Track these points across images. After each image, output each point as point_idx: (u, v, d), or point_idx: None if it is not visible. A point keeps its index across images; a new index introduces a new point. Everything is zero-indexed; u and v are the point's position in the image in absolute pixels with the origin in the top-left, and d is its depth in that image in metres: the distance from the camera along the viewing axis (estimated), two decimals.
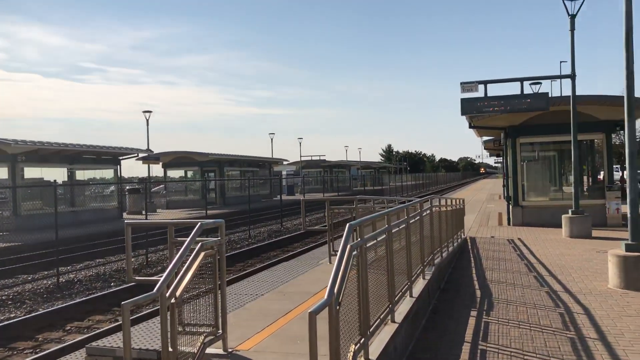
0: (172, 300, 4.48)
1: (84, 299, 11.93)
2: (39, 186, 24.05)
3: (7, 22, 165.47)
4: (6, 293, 12.90)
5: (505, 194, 20.97)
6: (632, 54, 9.17)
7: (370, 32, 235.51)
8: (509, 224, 19.66)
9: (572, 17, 16.13)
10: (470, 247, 14.85)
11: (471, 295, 9.03)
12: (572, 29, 16.35)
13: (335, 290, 3.99)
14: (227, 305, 7.05)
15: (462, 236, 15.93)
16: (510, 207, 19.83)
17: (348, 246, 4.47)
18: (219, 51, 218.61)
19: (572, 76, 16.45)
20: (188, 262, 4.74)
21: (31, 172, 26.45)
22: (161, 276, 4.44)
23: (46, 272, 15.25)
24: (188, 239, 4.81)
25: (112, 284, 14.20)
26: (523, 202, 19.67)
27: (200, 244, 4.89)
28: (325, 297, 3.79)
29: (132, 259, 17.53)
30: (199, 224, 5.00)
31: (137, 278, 6.22)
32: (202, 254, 4.88)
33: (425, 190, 71.06)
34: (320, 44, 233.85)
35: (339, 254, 4.30)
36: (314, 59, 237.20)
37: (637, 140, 20.15)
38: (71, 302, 11.50)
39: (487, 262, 12.24)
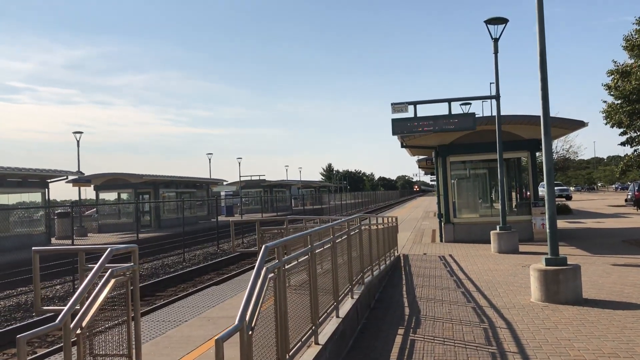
0: (78, 331, 4.26)
1: None
2: None
3: None
4: None
5: (438, 212, 21.42)
6: (546, 75, 9.60)
7: (310, 53, 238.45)
8: (441, 240, 20.08)
9: (495, 40, 16.81)
10: (402, 264, 15.03)
11: (400, 313, 9.10)
12: (496, 52, 17.03)
13: (248, 315, 3.90)
14: (149, 333, 6.82)
15: (395, 254, 16.12)
16: (442, 224, 20.28)
17: (264, 268, 4.39)
18: (156, 71, 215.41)
19: (497, 97, 17.11)
20: (97, 290, 4.52)
21: None
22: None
23: None
24: (96, 266, 4.60)
25: (34, 314, 13.46)
26: (454, 219, 20.16)
27: (110, 270, 4.68)
28: (236, 322, 3.70)
29: (58, 287, 16.78)
30: (109, 249, 4.80)
31: (45, 308, 5.86)
32: (113, 280, 4.67)
33: (365, 208, 71.82)
34: (260, 63, 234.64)
35: (252, 276, 4.21)
36: (253, 79, 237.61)
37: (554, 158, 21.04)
38: None
39: (418, 279, 12.40)
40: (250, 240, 30.37)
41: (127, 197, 40.58)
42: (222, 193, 60.58)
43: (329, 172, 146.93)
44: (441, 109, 17.51)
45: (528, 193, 21.50)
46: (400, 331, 7.89)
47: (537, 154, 21.17)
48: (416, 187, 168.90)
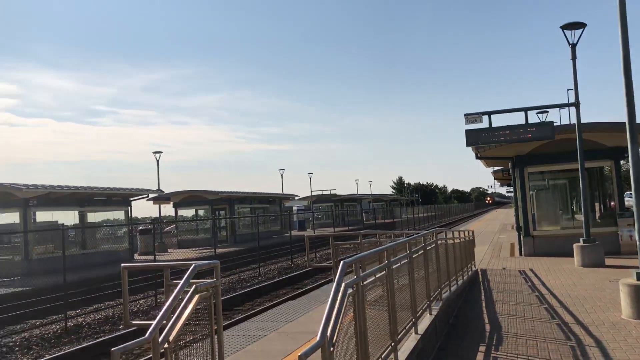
0: (166, 345, 4.42)
1: (89, 343, 11.84)
2: (47, 230, 24.21)
3: (20, 69, 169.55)
4: (14, 339, 12.84)
5: (516, 224, 20.72)
6: (631, 81, 9.14)
7: (378, 66, 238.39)
8: (520, 254, 19.38)
9: (573, 46, 16.19)
10: (481, 279, 14.62)
11: (480, 330, 8.84)
12: (574, 58, 16.39)
13: (329, 331, 3.90)
14: (229, 347, 6.97)
15: (473, 268, 15.72)
16: (521, 237, 19.58)
17: (343, 284, 4.40)
18: (229, 90, 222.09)
19: (577, 104, 16.43)
20: (182, 305, 4.68)
21: (43, 216, 26.72)
22: None
23: (54, 317, 15.20)
24: (181, 282, 4.77)
25: (121, 327, 14.10)
26: (534, 232, 19.42)
27: (194, 286, 4.84)
28: (318, 338, 3.71)
29: (142, 301, 17.47)
30: (193, 266, 4.96)
31: (134, 322, 6.13)
32: (197, 296, 4.82)
33: (437, 222, 70.55)
34: (329, 79, 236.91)
35: (332, 293, 4.22)
36: (322, 95, 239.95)
37: None
38: (75, 348, 11.41)
39: (498, 294, 12.02)
40: (323, 255, 30.51)
41: (203, 213, 41.87)
42: (294, 208, 61.36)
43: (399, 185, 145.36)
44: (517, 119, 17.01)
45: (612, 203, 20.41)
46: (482, 349, 7.66)
47: (622, 162, 20.08)
48: (488, 198, 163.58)
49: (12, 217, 26.09)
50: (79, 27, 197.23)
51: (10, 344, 12.42)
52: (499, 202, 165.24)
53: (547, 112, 29.00)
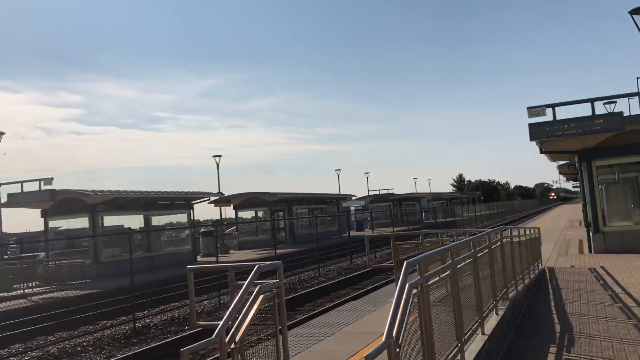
0: (232, 346, 4.46)
1: (157, 343, 12.18)
2: (115, 234, 25.12)
3: (86, 80, 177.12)
4: (87, 339, 13.38)
5: (585, 220, 19.89)
6: None
7: (433, 62, 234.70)
8: (590, 251, 18.60)
9: None
10: (548, 278, 14.11)
11: (550, 331, 8.51)
12: None
13: (395, 332, 3.83)
14: (293, 348, 6.99)
15: (540, 267, 15.19)
16: (591, 233, 18.79)
17: (407, 284, 4.32)
18: (284, 93, 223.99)
19: None
20: (247, 306, 4.72)
21: (110, 220, 27.76)
22: None
23: (124, 318, 15.74)
24: (245, 283, 4.80)
25: (186, 327, 14.44)
26: (604, 228, 18.60)
27: (258, 287, 4.87)
28: (384, 339, 3.65)
29: (205, 302, 17.83)
30: (257, 266, 4.99)
31: (200, 323, 6.23)
32: (261, 297, 4.85)
33: (500, 219, 68.78)
34: (384, 77, 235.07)
35: (396, 293, 4.15)
36: (378, 94, 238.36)
37: None
38: (144, 348, 11.77)
39: (567, 293, 11.56)
40: (382, 255, 30.29)
41: (262, 214, 42.44)
42: (352, 208, 61.26)
43: (460, 182, 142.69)
44: (582, 111, 16.33)
45: None
46: (552, 350, 7.38)
47: None
48: (553, 194, 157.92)
49: (81, 222, 27.28)
50: (140, 36, 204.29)
51: (84, 343, 12.95)
52: (565, 197, 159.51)
53: (615, 102, 27.64)
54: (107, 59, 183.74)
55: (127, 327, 14.46)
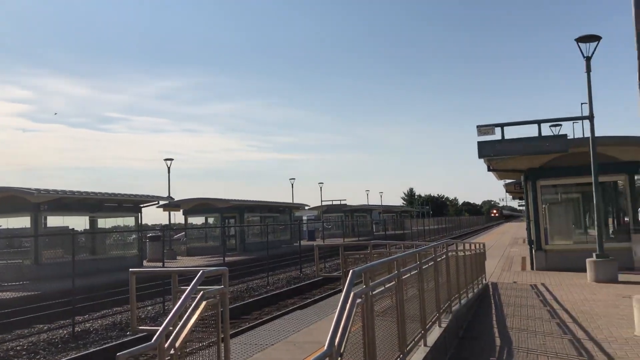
0: (172, 352, 4.37)
1: (96, 348, 11.82)
2: (58, 234, 24.29)
3: (35, 75, 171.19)
4: (21, 343, 12.85)
5: (528, 238, 20.51)
6: None
7: (390, 78, 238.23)
8: (532, 268, 19.17)
9: (588, 59, 16.09)
10: (491, 292, 14.46)
11: (490, 344, 8.70)
12: (588, 71, 16.28)
13: (337, 341, 3.83)
14: (235, 356, 6.90)
15: (484, 281, 15.55)
16: (533, 251, 19.38)
17: (352, 294, 4.33)
18: (241, 99, 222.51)
19: (591, 117, 16.29)
20: (189, 311, 4.64)
21: (54, 221, 26.84)
22: None
23: (63, 322, 15.20)
24: (189, 288, 4.73)
25: (128, 332, 14.07)
26: (546, 246, 19.22)
27: (201, 293, 4.80)
28: (325, 348, 3.64)
29: (149, 307, 17.44)
30: (201, 272, 4.92)
31: (141, 328, 6.10)
32: (204, 303, 4.78)
33: (448, 234, 70.12)
34: (342, 90, 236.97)
35: (340, 302, 4.16)
36: (335, 105, 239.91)
37: None
38: (82, 353, 11.39)
39: (509, 308, 11.86)
40: (332, 265, 30.37)
41: (213, 221, 41.92)
42: (304, 217, 61.26)
43: (410, 196, 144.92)
44: (530, 132, 16.85)
45: (626, 219, 20.16)
46: None
47: (636, 176, 19.85)
48: (494, 211, 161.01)
49: (22, 222, 26.24)
50: (94, 34, 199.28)
51: (18, 347, 12.43)
52: (510, 215, 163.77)
53: (561, 125, 28.86)
54: (58, 54, 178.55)
55: (65, 332, 13.97)
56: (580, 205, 21.72)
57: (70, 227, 26.25)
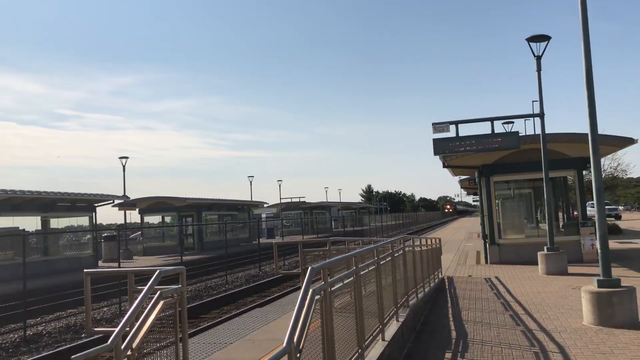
0: (128, 353, 4.32)
1: (49, 352, 11.52)
2: (7, 235, 23.48)
3: None
4: None
5: (482, 233, 21.02)
6: (593, 93, 9.37)
7: (350, 76, 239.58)
8: (486, 262, 19.65)
9: (538, 58, 16.56)
10: (447, 286, 14.76)
11: (447, 337, 8.90)
12: (539, 70, 16.77)
13: (296, 338, 3.87)
14: (194, 355, 6.86)
15: (440, 276, 15.86)
16: (487, 245, 19.87)
17: (310, 290, 4.37)
18: (198, 96, 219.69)
19: (541, 115, 16.80)
20: (146, 311, 4.59)
21: (3, 222, 25.92)
22: None
23: (13, 325, 14.74)
24: (145, 288, 4.67)
25: (83, 335, 13.76)
26: (499, 240, 19.73)
27: (158, 292, 4.75)
28: (284, 345, 3.67)
29: (105, 309, 17.10)
30: (158, 271, 4.88)
31: (97, 329, 5.97)
32: (161, 302, 4.73)
33: (405, 229, 71.05)
34: (301, 87, 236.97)
35: (299, 299, 4.19)
36: (294, 102, 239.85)
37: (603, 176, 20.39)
38: (35, 357, 11.09)
39: (464, 301, 12.14)
40: (292, 262, 30.40)
41: (170, 220, 41.29)
42: (263, 215, 61.01)
43: (368, 193, 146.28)
44: (483, 129, 17.29)
45: (575, 213, 20.88)
46: (448, 355, 7.72)
47: (584, 172, 20.60)
48: (448, 206, 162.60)
49: None
50: (45, 29, 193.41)
51: None
52: (465, 210, 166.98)
53: (513, 122, 29.48)
54: (7, 49, 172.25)
55: (16, 335, 13.56)
56: (532, 200, 22.39)
57: (21, 228, 25.45)
